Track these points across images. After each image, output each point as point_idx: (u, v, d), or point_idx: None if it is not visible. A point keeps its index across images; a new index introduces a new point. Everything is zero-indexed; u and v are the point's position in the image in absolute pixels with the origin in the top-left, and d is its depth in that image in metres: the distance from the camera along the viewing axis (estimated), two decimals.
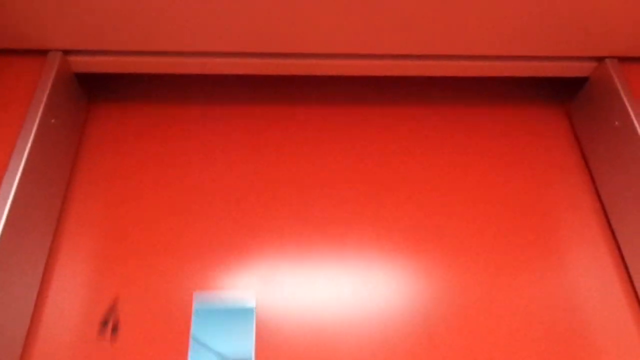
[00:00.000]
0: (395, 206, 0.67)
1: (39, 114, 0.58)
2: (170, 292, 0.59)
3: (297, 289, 0.60)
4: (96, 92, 0.75)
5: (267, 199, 0.67)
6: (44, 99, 0.60)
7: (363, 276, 0.62)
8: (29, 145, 0.56)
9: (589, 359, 0.57)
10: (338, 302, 0.60)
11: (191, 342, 0.56)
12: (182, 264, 0.61)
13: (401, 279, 0.61)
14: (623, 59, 0.67)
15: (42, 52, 0.64)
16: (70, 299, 0.58)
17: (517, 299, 0.60)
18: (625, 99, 0.63)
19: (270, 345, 0.56)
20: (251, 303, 0.58)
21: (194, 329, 0.56)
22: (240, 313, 0.58)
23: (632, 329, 0.59)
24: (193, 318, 0.57)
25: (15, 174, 0.54)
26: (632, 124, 0.61)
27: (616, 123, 0.64)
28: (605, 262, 0.64)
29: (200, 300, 0.58)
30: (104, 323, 0.56)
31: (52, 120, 0.61)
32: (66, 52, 0.65)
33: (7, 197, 0.52)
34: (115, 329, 0.56)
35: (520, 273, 0.62)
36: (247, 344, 0.56)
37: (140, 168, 0.69)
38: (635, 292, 0.61)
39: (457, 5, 0.59)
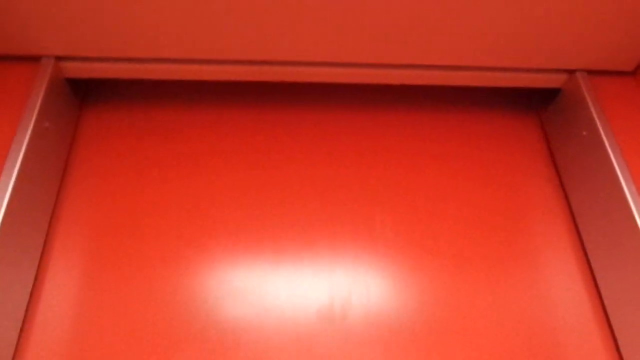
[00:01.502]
0: (367, 210, 0.70)
1: (33, 118, 0.60)
2: (163, 293, 0.61)
3: (290, 291, 0.63)
4: (88, 96, 0.77)
5: (259, 202, 0.69)
6: (38, 103, 0.62)
7: (340, 280, 0.64)
8: (23, 148, 0.58)
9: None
10: (323, 306, 0.62)
11: None
12: (174, 266, 0.63)
13: (369, 284, 0.64)
14: (592, 72, 0.71)
15: (35, 59, 0.66)
16: (63, 299, 0.60)
17: (490, 303, 0.64)
18: (593, 110, 0.66)
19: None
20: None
21: None
22: None
23: (593, 329, 0.62)
24: None
25: (10, 176, 0.56)
26: (599, 134, 0.64)
27: (584, 133, 0.67)
28: (572, 265, 0.67)
29: None
30: None
31: (46, 124, 0.63)
32: (59, 59, 0.67)
33: (3, 199, 0.54)
34: None
35: (493, 277, 0.65)
36: None
37: (132, 170, 0.71)
38: (600, 295, 0.64)
39: (434, 18, 0.62)
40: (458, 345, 0.60)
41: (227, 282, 0.63)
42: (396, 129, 0.78)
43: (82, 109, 0.76)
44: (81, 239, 0.65)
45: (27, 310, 0.58)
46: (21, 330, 0.57)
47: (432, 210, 0.70)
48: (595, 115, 0.66)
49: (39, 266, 0.61)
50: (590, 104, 0.67)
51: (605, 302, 0.63)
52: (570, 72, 0.72)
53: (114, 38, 0.64)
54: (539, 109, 0.81)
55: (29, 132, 0.59)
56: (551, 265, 0.67)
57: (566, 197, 0.72)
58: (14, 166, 0.57)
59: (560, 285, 0.65)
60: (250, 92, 0.80)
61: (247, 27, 0.63)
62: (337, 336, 0.60)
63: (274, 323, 0.60)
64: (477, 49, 0.67)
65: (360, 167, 0.74)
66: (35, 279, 0.61)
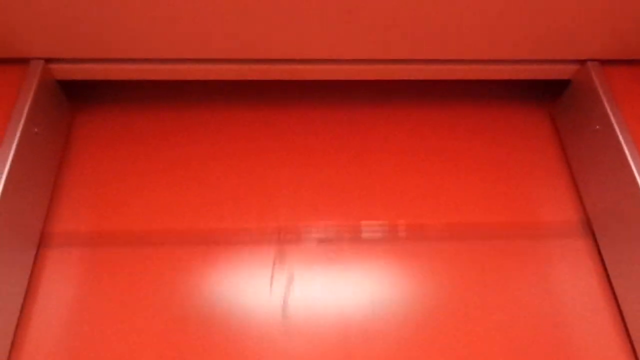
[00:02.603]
0: (379, 205, 0.67)
1: (21, 124, 0.58)
2: (160, 298, 0.60)
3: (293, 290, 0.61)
4: (80, 98, 0.74)
5: (257, 201, 0.67)
6: (26, 108, 0.59)
7: (345, 272, 0.62)
8: (10, 156, 0.56)
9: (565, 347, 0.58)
10: (325, 299, 0.60)
11: None
12: (170, 270, 0.61)
13: (381, 277, 0.62)
14: (604, 62, 0.68)
15: (24, 61, 0.64)
16: (56, 310, 0.59)
17: (502, 298, 0.61)
18: (605, 102, 0.63)
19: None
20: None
21: None
22: None
23: (605, 322, 0.60)
24: None
25: None
26: (612, 127, 0.61)
27: (597, 127, 0.64)
28: (586, 262, 0.64)
29: None
30: None
31: (35, 130, 0.61)
32: (48, 60, 0.65)
33: None
34: None
35: (503, 272, 0.63)
36: None
37: (127, 173, 0.69)
38: (612, 287, 0.62)
39: (442, 11, 0.59)
40: (464, 336, 0.58)
41: (227, 282, 0.61)
42: (402, 125, 0.75)
43: (75, 112, 0.73)
44: (76, 249, 0.62)
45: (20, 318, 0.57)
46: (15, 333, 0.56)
47: (441, 206, 0.68)
48: (608, 108, 0.63)
49: (29, 280, 0.59)
50: (602, 95, 0.64)
51: (619, 298, 0.60)
52: (581, 62, 0.69)
53: (105, 38, 0.62)
54: (548, 102, 0.78)
55: (17, 138, 0.57)
56: (562, 263, 0.64)
57: (579, 193, 0.69)
58: (0, 175, 0.55)
59: (572, 282, 0.63)
60: (246, 91, 0.78)
61: (240, 25, 0.60)
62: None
63: (272, 319, 0.58)
64: (483, 42, 0.64)
65: (367, 164, 0.71)
66: (26, 295, 0.58)
